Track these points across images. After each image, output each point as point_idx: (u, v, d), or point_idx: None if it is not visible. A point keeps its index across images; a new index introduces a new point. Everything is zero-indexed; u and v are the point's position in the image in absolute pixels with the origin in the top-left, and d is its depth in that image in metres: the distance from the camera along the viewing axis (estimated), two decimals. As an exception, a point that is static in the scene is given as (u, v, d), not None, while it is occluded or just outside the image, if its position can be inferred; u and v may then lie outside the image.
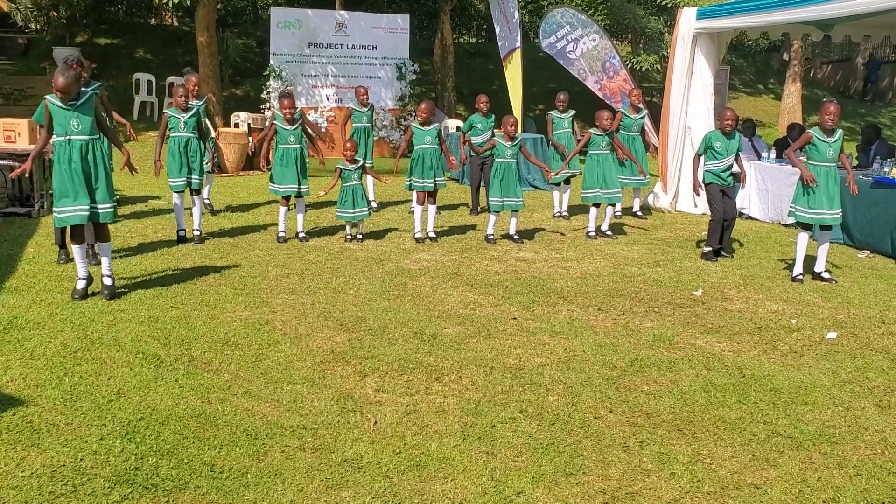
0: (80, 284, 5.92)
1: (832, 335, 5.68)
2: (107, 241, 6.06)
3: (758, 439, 3.97)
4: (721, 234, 7.96)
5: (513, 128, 8.33)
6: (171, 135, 7.91)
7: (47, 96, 5.72)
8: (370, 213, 8.32)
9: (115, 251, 7.47)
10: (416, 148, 8.41)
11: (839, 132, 7.06)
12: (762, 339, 5.59)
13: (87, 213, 5.75)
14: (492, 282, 6.86)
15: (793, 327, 5.87)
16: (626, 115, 10.13)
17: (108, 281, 5.99)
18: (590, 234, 9.00)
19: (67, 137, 5.69)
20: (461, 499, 3.34)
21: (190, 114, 7.91)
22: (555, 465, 3.64)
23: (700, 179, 8.00)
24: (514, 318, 5.85)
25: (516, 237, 8.62)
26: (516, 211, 8.56)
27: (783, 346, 5.43)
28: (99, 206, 5.83)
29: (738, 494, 3.45)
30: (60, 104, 5.66)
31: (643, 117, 10.29)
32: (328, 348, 5.07)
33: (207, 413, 4.04)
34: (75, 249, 5.91)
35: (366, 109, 9.96)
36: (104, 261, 6.05)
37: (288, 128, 8.05)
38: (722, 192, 7.89)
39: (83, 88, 7.85)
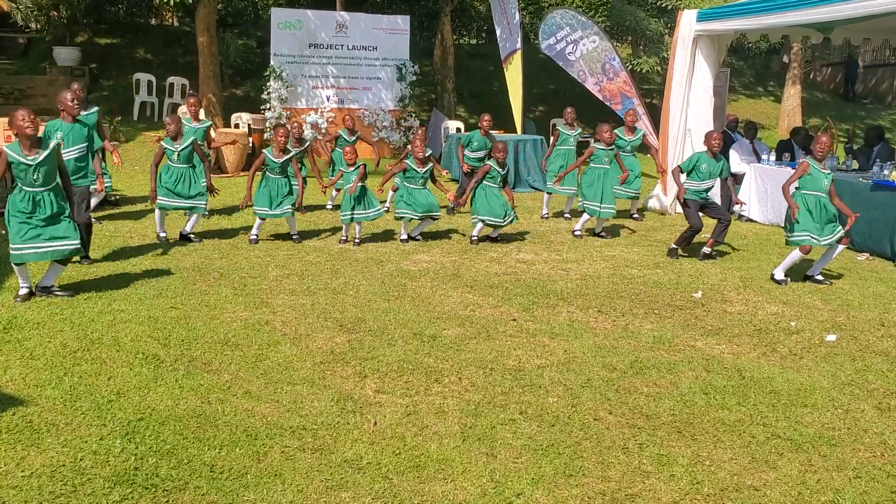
0: (23, 291, 5.83)
1: (832, 338, 5.68)
2: (64, 264, 5.96)
3: (757, 441, 3.98)
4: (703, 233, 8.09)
5: (501, 154, 8.36)
6: (168, 163, 7.81)
7: (5, 147, 5.52)
8: (354, 219, 8.21)
9: (115, 251, 7.48)
10: (405, 185, 8.42)
11: (830, 167, 7.16)
12: (762, 341, 5.59)
13: (42, 252, 5.67)
14: (491, 283, 6.86)
15: (792, 329, 5.88)
16: (619, 137, 10.04)
17: (47, 283, 5.96)
18: (576, 232, 9.08)
19: (25, 189, 5.58)
20: (461, 500, 3.35)
21: (184, 145, 7.79)
22: (554, 467, 3.65)
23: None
24: (514, 320, 5.85)
25: (496, 236, 8.64)
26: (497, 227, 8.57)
27: (783, 349, 5.43)
28: (60, 243, 5.73)
29: (737, 496, 3.45)
30: (22, 159, 5.50)
31: (639, 138, 10.28)
32: (328, 349, 5.07)
33: (207, 413, 4.04)
34: (17, 268, 5.78)
35: (353, 138, 9.97)
36: (50, 276, 5.94)
37: (276, 160, 8.05)
38: (702, 206, 8.01)
39: (84, 112, 7.78)
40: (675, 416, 4.25)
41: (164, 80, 16.18)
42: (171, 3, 13.36)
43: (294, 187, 8.28)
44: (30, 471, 3.40)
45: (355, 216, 8.12)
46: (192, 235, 8.06)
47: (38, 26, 17.19)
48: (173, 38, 19.32)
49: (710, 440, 3.98)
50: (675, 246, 8.20)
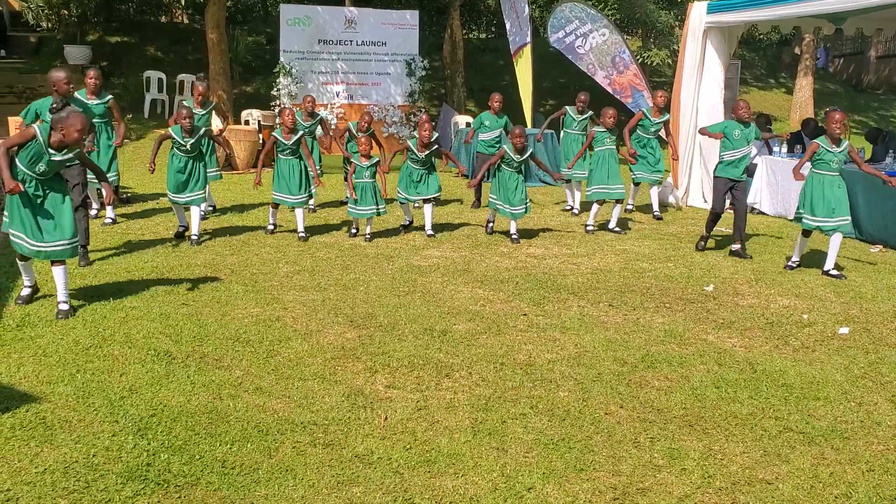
0: (25, 291, 5.72)
1: (844, 330, 5.64)
2: (61, 265, 5.50)
3: (769, 435, 3.96)
4: (725, 227, 8.03)
5: (519, 139, 8.10)
6: (175, 150, 7.78)
7: (37, 127, 5.23)
8: (379, 213, 8.26)
9: (126, 248, 7.51)
10: (409, 164, 8.47)
11: (845, 143, 7.05)
12: (774, 334, 5.56)
13: (34, 250, 5.37)
14: (502, 278, 6.85)
15: (805, 322, 5.84)
16: (646, 117, 9.87)
17: (63, 307, 5.46)
18: (588, 227, 8.98)
19: (29, 173, 5.29)
20: (471, 494, 3.35)
21: (195, 138, 7.69)
22: (565, 461, 3.64)
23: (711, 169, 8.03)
24: (525, 315, 5.84)
25: (515, 236, 8.42)
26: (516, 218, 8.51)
27: (795, 342, 5.40)
28: (53, 244, 5.38)
29: (749, 490, 3.44)
30: (49, 148, 5.22)
31: (665, 120, 10.09)
32: (339, 345, 5.08)
33: (219, 409, 4.06)
34: (21, 265, 5.65)
35: (360, 134, 10.06)
36: (59, 287, 5.48)
37: (286, 141, 8.11)
38: (731, 188, 7.85)
39: (97, 100, 7.85)
40: (686, 409, 4.24)
41: (175, 78, 16.22)
42: (181, 0, 13.39)
43: (308, 171, 8.35)
44: (43, 467, 3.43)
45: (370, 211, 8.13)
46: (193, 236, 7.94)
47: (49, 25, 17.28)
48: (183, 35, 19.39)
49: (722, 434, 3.96)
50: (705, 234, 8.11)
